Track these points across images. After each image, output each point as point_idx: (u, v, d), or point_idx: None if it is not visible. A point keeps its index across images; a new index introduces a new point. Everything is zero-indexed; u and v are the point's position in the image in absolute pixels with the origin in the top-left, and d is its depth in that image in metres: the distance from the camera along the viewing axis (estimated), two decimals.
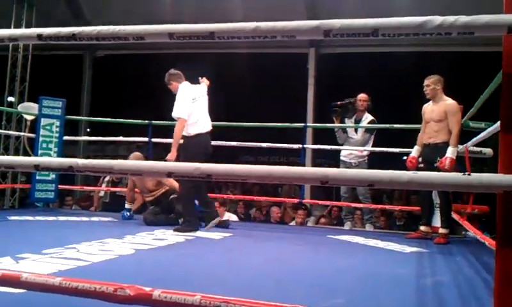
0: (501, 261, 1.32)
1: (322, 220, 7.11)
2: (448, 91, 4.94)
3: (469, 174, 1.26)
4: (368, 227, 6.24)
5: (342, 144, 6.34)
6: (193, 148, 5.00)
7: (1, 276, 1.61)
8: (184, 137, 4.99)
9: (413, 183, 1.30)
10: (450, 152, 4.61)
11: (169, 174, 1.51)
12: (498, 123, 3.33)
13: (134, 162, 1.56)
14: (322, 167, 1.44)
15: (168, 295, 1.42)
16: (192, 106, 5.00)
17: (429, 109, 4.94)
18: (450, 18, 1.34)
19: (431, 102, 4.94)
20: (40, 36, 1.65)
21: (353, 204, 6.19)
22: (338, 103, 6.30)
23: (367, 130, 6.17)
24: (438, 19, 1.35)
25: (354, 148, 6.21)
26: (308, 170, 1.39)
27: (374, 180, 1.32)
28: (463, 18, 1.34)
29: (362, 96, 6.25)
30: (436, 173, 1.25)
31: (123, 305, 1.48)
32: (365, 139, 6.18)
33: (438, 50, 8.95)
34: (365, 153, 6.19)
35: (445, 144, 4.70)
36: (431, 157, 4.82)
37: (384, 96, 6.38)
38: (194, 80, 5.24)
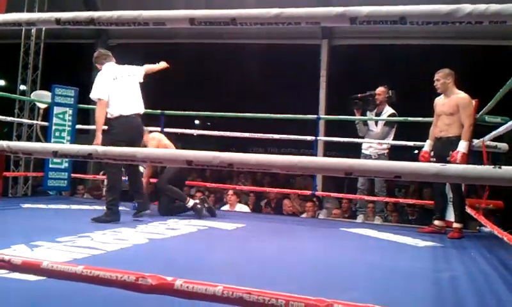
0: None
1: (335, 212, 7.09)
2: (463, 84, 4.88)
3: (500, 168, 1.23)
4: (377, 220, 6.20)
5: (363, 137, 6.31)
6: (115, 130, 4.67)
7: (22, 263, 1.60)
8: (107, 118, 4.70)
9: (441, 176, 1.27)
10: (462, 146, 4.55)
11: (189, 163, 1.49)
12: None
13: (156, 150, 1.54)
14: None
15: (190, 285, 1.40)
16: (112, 86, 4.68)
17: (441, 103, 4.89)
18: (481, 7, 1.31)
19: (442, 95, 4.88)
20: (58, 21, 1.63)
21: (367, 198, 6.13)
22: (359, 95, 6.27)
23: (387, 123, 6.12)
24: (468, 7, 1.31)
25: (368, 141, 6.16)
26: (333, 160, 1.36)
27: (401, 171, 1.29)
28: (494, 7, 1.30)
29: (379, 89, 6.21)
30: (465, 165, 1.22)
31: (144, 294, 1.47)
32: (385, 132, 6.13)
33: (452, 43, 8.85)
34: (385, 146, 6.14)
35: (457, 138, 4.65)
36: (443, 151, 4.76)
37: (397, 88, 6.30)
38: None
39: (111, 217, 4.49)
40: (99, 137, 4.51)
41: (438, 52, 9.22)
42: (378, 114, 6.21)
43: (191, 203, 5.24)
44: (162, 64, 5.24)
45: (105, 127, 4.71)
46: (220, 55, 11.46)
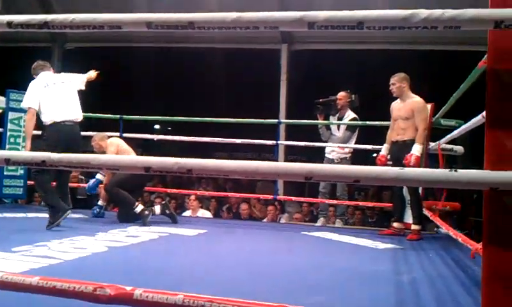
0: (487, 259, 1.31)
1: (297, 216, 7.12)
2: (420, 89, 4.98)
3: (456, 171, 1.25)
4: (338, 223, 6.24)
5: (326, 141, 6.33)
6: (49, 137, 4.63)
7: None
8: (42, 126, 4.70)
9: (400, 180, 1.29)
10: (416, 149, 4.64)
11: (147, 169, 1.46)
12: (473, 120, 3.37)
13: (112, 156, 1.50)
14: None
15: (149, 294, 1.37)
16: (43, 94, 4.64)
17: (396, 107, 4.98)
18: (436, 12, 1.33)
19: (398, 99, 4.97)
20: (9, 24, 1.57)
21: (328, 201, 6.16)
22: (320, 100, 6.30)
23: (348, 128, 6.16)
24: (424, 12, 1.33)
25: (332, 145, 6.19)
26: (294, 166, 1.36)
27: (360, 176, 1.29)
28: (450, 12, 1.32)
29: (340, 94, 6.25)
30: (424, 169, 1.23)
31: (103, 305, 1.43)
32: (346, 137, 6.16)
33: (411, 48, 9.04)
34: (347, 150, 6.18)
35: (413, 142, 4.73)
36: (399, 154, 4.85)
37: (357, 92, 6.39)
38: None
39: (57, 216, 4.42)
40: (28, 145, 4.59)
41: (397, 57, 9.40)
42: (340, 119, 6.23)
43: (139, 208, 5.08)
44: (93, 73, 5.12)
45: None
46: (180, 59, 11.38)
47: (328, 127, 6.34)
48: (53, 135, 4.59)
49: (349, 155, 6.21)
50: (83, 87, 4.97)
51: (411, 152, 4.62)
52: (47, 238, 3.77)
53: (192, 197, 6.81)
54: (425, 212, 5.21)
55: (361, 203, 7.77)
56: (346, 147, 6.14)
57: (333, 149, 6.22)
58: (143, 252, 3.68)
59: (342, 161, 6.11)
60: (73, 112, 4.75)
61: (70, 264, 2.99)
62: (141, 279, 2.43)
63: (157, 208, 5.33)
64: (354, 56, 9.77)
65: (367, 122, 6.15)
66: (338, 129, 6.27)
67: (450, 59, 9.57)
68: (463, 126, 3.95)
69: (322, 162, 5.95)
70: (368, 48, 9.15)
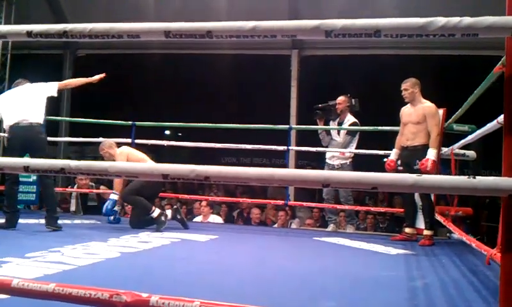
0: (506, 265, 1.31)
1: (309, 221, 7.11)
2: (431, 94, 4.97)
3: (474, 178, 1.25)
4: (349, 228, 6.21)
5: (326, 147, 6.31)
6: (9, 140, 4.81)
7: None
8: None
9: (417, 187, 1.28)
10: (432, 154, 4.62)
11: (165, 177, 1.47)
12: (487, 126, 3.36)
13: (130, 164, 1.52)
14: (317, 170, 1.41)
15: (165, 301, 1.38)
16: (4, 101, 4.85)
17: (407, 112, 4.96)
18: (454, 20, 1.33)
19: (408, 104, 4.95)
20: (29, 33, 1.59)
21: (339, 206, 6.14)
22: (320, 105, 6.28)
23: (348, 132, 6.14)
24: (441, 20, 1.33)
25: (336, 150, 6.16)
26: (310, 173, 1.36)
27: (377, 183, 1.29)
28: (467, 20, 1.32)
29: (339, 99, 6.22)
30: (441, 176, 1.23)
31: None
32: (347, 142, 6.12)
33: (421, 53, 9.02)
34: (348, 155, 6.14)
35: (424, 147, 4.72)
36: (410, 159, 4.83)
37: (368, 97, 6.38)
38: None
39: (6, 224, 4.59)
40: None
41: (408, 62, 9.38)
42: (340, 123, 6.20)
43: (155, 213, 5.10)
44: (96, 77, 5.28)
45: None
46: (190, 66, 11.43)
47: (328, 132, 6.32)
48: (10, 138, 4.73)
49: (350, 160, 6.16)
50: (54, 94, 5.03)
51: (427, 157, 4.60)
52: (60, 244, 3.79)
53: (204, 203, 6.82)
54: (438, 217, 5.19)
55: (372, 209, 7.75)
56: (348, 152, 6.06)
57: (333, 155, 6.19)
58: (155, 258, 3.69)
59: (342, 166, 6.06)
60: (30, 114, 4.72)
61: (84, 270, 3.00)
62: (154, 285, 2.44)
63: (169, 213, 5.31)
64: (364, 61, 9.76)
65: (378, 127, 6.12)
66: (339, 134, 6.23)
67: (461, 64, 9.54)
68: (478, 132, 3.93)
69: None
70: (379, 53, 9.14)
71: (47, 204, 4.81)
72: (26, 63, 5.04)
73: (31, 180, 6.31)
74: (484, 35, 1.33)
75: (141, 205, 5.13)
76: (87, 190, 6.94)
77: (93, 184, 7.21)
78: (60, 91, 5.10)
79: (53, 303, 1.58)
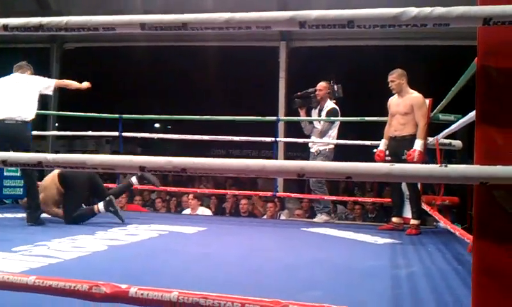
0: (478, 252, 1.33)
1: (298, 212, 7.13)
2: (415, 84, 4.99)
3: (446, 166, 1.27)
4: (318, 218, 5.93)
5: (309, 135, 6.19)
6: None
7: None
8: None
9: (391, 176, 1.30)
10: (418, 145, 4.65)
11: (142, 168, 1.47)
12: (469, 115, 3.39)
13: (107, 156, 1.52)
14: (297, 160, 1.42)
15: (144, 292, 1.39)
16: None
17: (395, 102, 4.98)
18: (426, 10, 1.34)
19: (396, 95, 4.98)
20: (5, 27, 1.59)
21: (327, 197, 6.04)
22: (298, 93, 6.17)
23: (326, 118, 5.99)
24: (413, 10, 1.35)
25: (321, 141, 5.99)
26: (285, 163, 1.37)
27: (352, 172, 1.31)
28: (438, 10, 1.34)
29: (320, 85, 6.04)
30: (414, 165, 1.25)
31: (100, 303, 1.45)
32: (325, 128, 5.97)
33: (407, 44, 9.04)
34: (326, 140, 5.97)
35: (412, 137, 4.75)
36: (398, 150, 4.86)
37: (356, 88, 6.36)
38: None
39: None
40: None
41: (394, 53, 9.40)
42: (320, 111, 6.06)
43: (101, 207, 4.91)
44: (85, 85, 5.22)
45: None
46: (179, 58, 11.40)
47: (310, 121, 6.17)
48: None
49: (329, 146, 5.95)
50: (49, 93, 5.00)
51: (414, 148, 4.63)
52: (47, 237, 3.79)
53: (191, 195, 6.82)
54: (424, 206, 5.23)
55: (360, 199, 7.79)
56: (329, 140, 5.92)
57: (313, 142, 6.08)
58: (143, 251, 3.70)
59: (321, 152, 5.92)
60: (18, 110, 4.65)
61: (70, 263, 3.01)
62: (141, 278, 2.45)
63: (101, 206, 4.93)
64: (353, 52, 9.77)
65: (365, 118, 6.13)
66: (320, 122, 6.07)
67: (447, 53, 9.58)
68: (460, 121, 3.97)
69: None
70: (368, 44, 9.14)
71: (30, 200, 4.71)
72: (13, 57, 5.01)
73: (18, 174, 6.28)
74: (456, 25, 1.35)
75: (86, 217, 4.95)
76: None
77: None
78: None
79: (41, 297, 1.60)
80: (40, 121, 8.18)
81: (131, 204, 7.17)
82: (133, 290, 1.41)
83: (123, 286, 1.43)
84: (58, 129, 10.04)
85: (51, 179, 4.98)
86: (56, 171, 4.96)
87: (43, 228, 4.42)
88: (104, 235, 4.18)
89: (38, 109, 6.76)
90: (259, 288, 2.50)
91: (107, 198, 4.94)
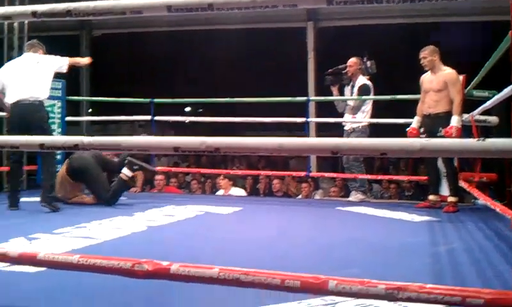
0: None
1: (334, 189, 7.08)
2: (447, 60, 4.88)
3: (483, 140, 1.24)
4: (354, 197, 5.81)
5: (342, 113, 6.05)
6: (10, 118, 4.67)
7: (18, 256, 1.61)
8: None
9: (426, 150, 1.28)
10: (455, 121, 4.56)
11: (176, 149, 1.48)
12: (505, 90, 3.29)
13: (142, 137, 1.54)
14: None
15: (186, 269, 1.41)
16: (7, 76, 4.60)
17: (428, 79, 4.89)
18: None
19: (429, 72, 4.88)
20: (34, 14, 1.62)
21: (361, 176, 5.90)
22: (329, 70, 6.05)
23: (360, 95, 5.83)
24: None
25: (350, 121, 5.87)
26: (319, 140, 1.37)
27: (386, 148, 1.29)
28: None
29: (350, 61, 5.90)
30: (450, 139, 1.23)
31: (141, 280, 1.48)
32: (357, 105, 5.83)
33: (436, 21, 8.86)
34: (358, 118, 5.83)
35: (446, 114, 4.67)
36: (433, 127, 4.77)
37: (386, 66, 6.20)
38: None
39: (8, 204, 4.58)
40: None
41: (423, 30, 9.21)
42: (353, 87, 5.90)
43: (126, 172, 5.00)
44: (86, 60, 5.22)
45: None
46: (208, 42, 11.40)
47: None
48: (12, 117, 4.60)
49: (362, 124, 5.80)
50: (63, 71, 4.89)
51: (451, 124, 4.55)
52: (87, 219, 3.88)
53: (221, 176, 6.86)
54: (462, 183, 5.14)
55: (395, 177, 7.70)
56: (362, 119, 5.79)
57: (346, 119, 5.95)
58: (180, 231, 3.76)
59: (355, 130, 5.79)
60: (31, 91, 4.54)
61: (110, 244, 3.08)
62: (179, 257, 2.48)
63: (126, 171, 5.02)
64: (381, 31, 9.59)
65: (397, 96, 6.01)
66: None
67: (477, 30, 9.34)
68: (496, 97, 3.88)
69: None
70: (395, 22, 8.95)
71: (46, 182, 4.57)
72: (46, 46, 5.08)
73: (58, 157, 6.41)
74: None
75: (120, 190, 5.05)
76: None
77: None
78: (70, 68, 4.93)
79: (82, 274, 1.64)
80: (73, 107, 8.34)
81: (167, 187, 7.27)
82: (174, 267, 1.43)
83: (165, 263, 1.46)
84: (91, 115, 10.20)
85: (61, 176, 5.01)
86: (64, 167, 5.03)
87: (83, 211, 4.51)
88: (142, 216, 4.26)
89: (70, 95, 6.93)
90: (295, 266, 2.50)
91: (126, 161, 5.03)
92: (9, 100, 4.55)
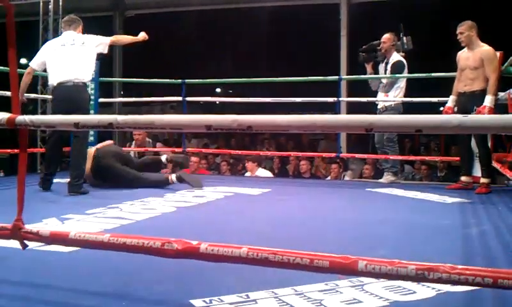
0: None
1: (366, 166, 7.03)
2: (485, 36, 4.75)
3: None
4: (385, 178, 5.70)
5: (376, 91, 5.92)
6: (52, 101, 4.66)
7: (50, 234, 1.64)
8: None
9: (463, 127, 1.25)
10: (489, 100, 4.46)
11: (209, 127, 1.48)
12: None
13: (174, 116, 1.55)
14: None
15: (215, 248, 1.42)
16: (50, 56, 4.52)
17: (464, 56, 4.77)
18: None
19: (465, 48, 4.76)
20: None
21: (393, 157, 5.74)
22: (363, 47, 5.92)
23: (393, 72, 5.67)
24: None
25: (383, 100, 5.75)
26: (352, 117, 1.34)
27: (421, 125, 1.26)
28: None
29: (384, 37, 5.73)
30: (487, 115, 1.19)
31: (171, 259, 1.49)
32: (389, 82, 5.69)
33: None
34: (391, 97, 5.69)
35: (482, 92, 4.56)
36: (468, 106, 4.66)
37: (419, 43, 6.04)
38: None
39: (41, 185, 4.57)
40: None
41: (459, 4, 8.98)
42: (387, 64, 5.75)
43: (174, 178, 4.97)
44: (141, 36, 5.01)
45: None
46: (237, 21, 11.37)
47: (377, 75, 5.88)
48: (54, 99, 4.58)
49: (394, 102, 5.66)
50: (104, 51, 4.78)
51: (484, 104, 4.45)
52: (119, 200, 3.94)
53: (249, 157, 6.89)
54: (495, 164, 5.04)
55: (427, 158, 7.59)
56: (392, 99, 5.64)
57: (379, 97, 5.82)
58: (210, 211, 3.79)
59: (387, 108, 5.66)
60: (75, 72, 4.47)
61: (141, 224, 3.12)
62: (209, 237, 2.50)
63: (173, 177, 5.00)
64: (415, 5, 9.41)
65: (432, 74, 5.88)
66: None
67: None
68: None
69: None
70: None
71: (74, 169, 4.49)
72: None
73: (88, 140, 6.51)
74: None
75: (155, 186, 4.95)
76: (143, 149, 7.08)
77: (150, 140, 7.35)
78: (110, 47, 4.86)
79: (113, 254, 1.67)
80: (106, 89, 8.44)
81: (199, 169, 7.33)
82: (204, 246, 1.44)
83: (194, 242, 1.47)
84: (124, 96, 10.32)
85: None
86: (89, 166, 4.92)
87: (115, 192, 4.56)
88: (173, 197, 4.30)
89: (103, 76, 6.99)
90: (324, 247, 2.49)
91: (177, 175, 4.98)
92: (53, 80, 4.50)
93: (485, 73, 4.58)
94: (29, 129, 1.70)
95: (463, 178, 4.95)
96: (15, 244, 1.81)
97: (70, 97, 4.41)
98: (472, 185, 4.89)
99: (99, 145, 5.30)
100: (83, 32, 4.75)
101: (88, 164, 4.87)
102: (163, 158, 5.34)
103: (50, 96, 4.99)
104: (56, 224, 3.03)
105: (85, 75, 4.55)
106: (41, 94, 8.51)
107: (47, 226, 2.94)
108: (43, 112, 9.01)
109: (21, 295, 1.80)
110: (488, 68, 4.56)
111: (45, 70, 4.68)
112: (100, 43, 4.69)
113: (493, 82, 4.51)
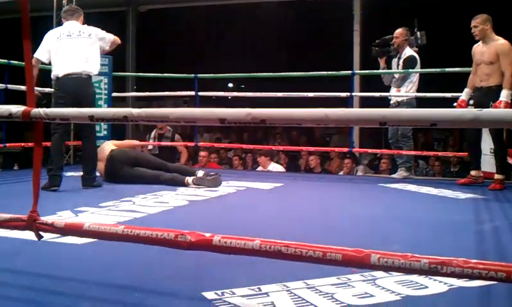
0: None
1: (384, 160, 6.98)
2: (501, 30, 4.70)
3: None
4: (398, 174, 5.65)
5: (389, 86, 5.88)
6: (55, 93, 4.45)
7: (65, 226, 1.66)
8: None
9: (479, 121, 1.24)
10: (504, 95, 4.40)
11: (223, 121, 1.49)
12: None
13: (189, 109, 1.55)
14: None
15: (228, 240, 1.43)
16: (54, 47, 4.37)
17: (479, 50, 4.72)
18: None
19: (480, 42, 4.71)
20: None
21: (406, 152, 5.66)
22: (376, 41, 5.88)
23: (405, 67, 5.63)
24: None
25: (396, 95, 5.70)
26: (366, 111, 1.34)
27: (436, 118, 1.26)
28: None
29: (396, 32, 5.70)
30: (503, 109, 1.19)
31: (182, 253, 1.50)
32: (401, 77, 5.65)
33: None
34: (403, 91, 5.63)
35: (498, 87, 4.50)
36: (484, 101, 4.59)
37: (433, 37, 5.97)
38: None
39: (48, 184, 4.19)
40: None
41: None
42: (399, 59, 5.70)
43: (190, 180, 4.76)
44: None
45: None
46: (251, 15, 11.35)
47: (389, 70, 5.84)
48: (58, 91, 4.40)
49: (407, 98, 5.60)
50: (107, 48, 4.64)
51: (500, 99, 4.39)
52: (132, 194, 3.97)
53: (261, 152, 6.89)
54: (510, 160, 5.00)
55: (440, 153, 7.54)
56: (404, 94, 5.60)
57: (391, 93, 5.77)
58: (223, 205, 3.81)
59: (400, 104, 5.61)
60: (83, 65, 4.37)
61: (154, 217, 3.14)
62: (221, 230, 2.51)
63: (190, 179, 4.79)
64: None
65: (446, 69, 5.83)
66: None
67: None
68: None
69: None
70: None
71: (87, 164, 4.48)
72: (90, 22, 5.11)
73: (101, 134, 6.56)
74: None
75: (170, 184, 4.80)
76: (154, 143, 7.12)
77: (171, 128, 7.40)
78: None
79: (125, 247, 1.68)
80: (119, 83, 8.48)
81: (209, 163, 7.35)
82: (217, 238, 1.45)
83: (207, 234, 1.47)
84: (136, 91, 10.35)
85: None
86: (102, 166, 4.88)
87: (128, 186, 4.58)
88: (185, 190, 4.33)
89: (116, 71, 7.01)
90: (337, 241, 2.49)
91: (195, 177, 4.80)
92: (58, 71, 4.34)
93: (501, 67, 4.53)
94: (43, 122, 1.71)
95: (473, 173, 4.92)
96: (30, 235, 1.83)
97: (76, 90, 4.29)
98: (482, 179, 4.85)
99: (116, 143, 5.20)
100: (83, 23, 4.63)
101: (102, 164, 4.84)
102: (199, 173, 4.83)
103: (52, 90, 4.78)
104: (69, 217, 3.06)
105: (93, 67, 4.46)
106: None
107: (61, 218, 2.97)
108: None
109: (34, 286, 1.82)
110: (504, 62, 4.50)
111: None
112: (104, 38, 4.56)
113: (509, 76, 4.45)
